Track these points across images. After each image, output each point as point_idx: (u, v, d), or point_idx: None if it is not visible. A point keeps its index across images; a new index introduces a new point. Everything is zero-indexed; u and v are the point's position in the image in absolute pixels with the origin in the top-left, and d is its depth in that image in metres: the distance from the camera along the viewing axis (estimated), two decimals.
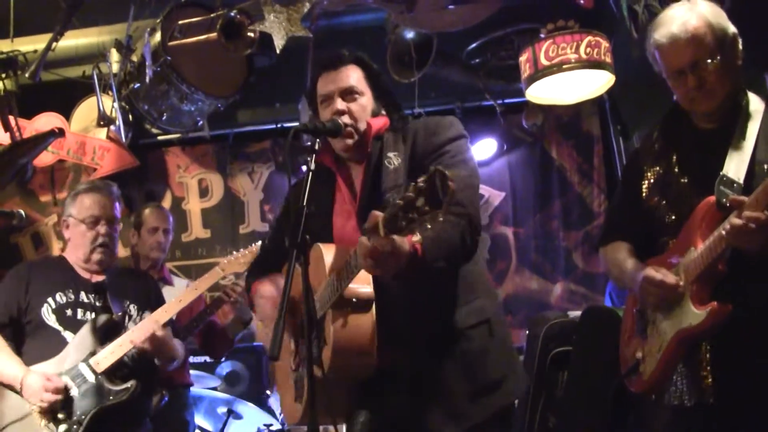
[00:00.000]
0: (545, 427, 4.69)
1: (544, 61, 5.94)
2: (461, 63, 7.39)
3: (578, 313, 4.75)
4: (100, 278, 4.49)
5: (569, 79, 6.03)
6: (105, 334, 4.28)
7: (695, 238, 3.12)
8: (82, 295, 4.39)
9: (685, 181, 3.32)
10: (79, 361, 4.19)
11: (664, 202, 3.37)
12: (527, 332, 5.08)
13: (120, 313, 4.35)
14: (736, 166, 3.11)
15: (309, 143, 3.11)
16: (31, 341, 4.29)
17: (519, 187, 8.30)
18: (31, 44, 7.06)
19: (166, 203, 8.76)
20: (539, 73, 5.97)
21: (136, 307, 4.48)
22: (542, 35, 6.00)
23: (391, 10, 6.13)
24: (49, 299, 4.31)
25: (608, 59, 5.91)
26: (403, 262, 2.78)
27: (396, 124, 3.32)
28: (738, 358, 3.07)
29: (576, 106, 6.89)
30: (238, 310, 5.49)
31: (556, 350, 4.74)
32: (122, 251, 7.63)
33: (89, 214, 4.46)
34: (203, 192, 8.83)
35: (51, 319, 4.27)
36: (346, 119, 3.21)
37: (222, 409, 6.34)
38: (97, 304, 4.39)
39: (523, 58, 6.13)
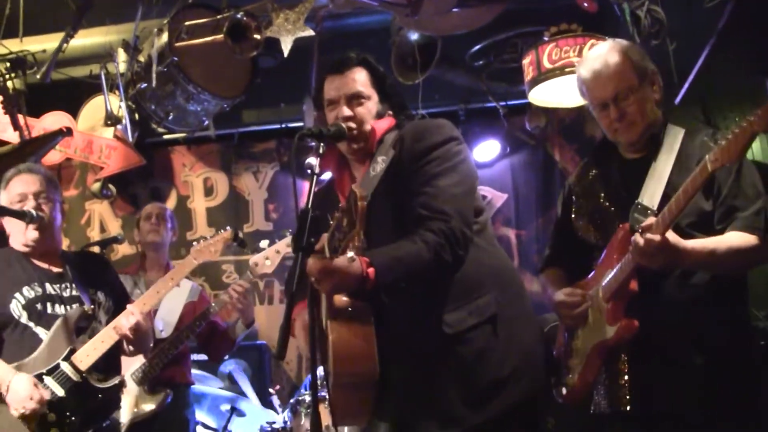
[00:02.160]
0: (544, 429, 4.72)
1: (547, 64, 5.98)
2: (465, 65, 7.41)
3: None
4: (59, 268, 4.35)
5: (572, 82, 6.04)
6: (78, 329, 4.20)
7: (612, 261, 3.36)
8: (48, 288, 4.24)
9: (611, 207, 3.55)
10: (59, 359, 4.09)
11: (591, 226, 3.62)
12: None
13: (91, 306, 4.25)
14: (651, 193, 3.34)
15: (313, 144, 3.16)
16: (3, 339, 4.15)
17: (521, 190, 8.33)
18: (40, 44, 7.09)
19: (171, 202, 8.81)
20: (542, 76, 6.01)
21: (103, 293, 4.38)
22: (545, 38, 6.04)
23: (395, 13, 6.16)
24: (17, 294, 4.16)
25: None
26: (351, 285, 2.90)
27: (400, 123, 3.36)
28: (652, 369, 3.28)
29: (579, 108, 6.91)
30: (241, 312, 5.46)
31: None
32: (130, 249, 7.72)
33: (15, 193, 4.27)
34: (208, 191, 8.88)
35: (22, 316, 4.13)
36: (350, 124, 3.25)
37: (225, 407, 6.37)
38: (65, 294, 4.26)
39: (526, 61, 6.17)
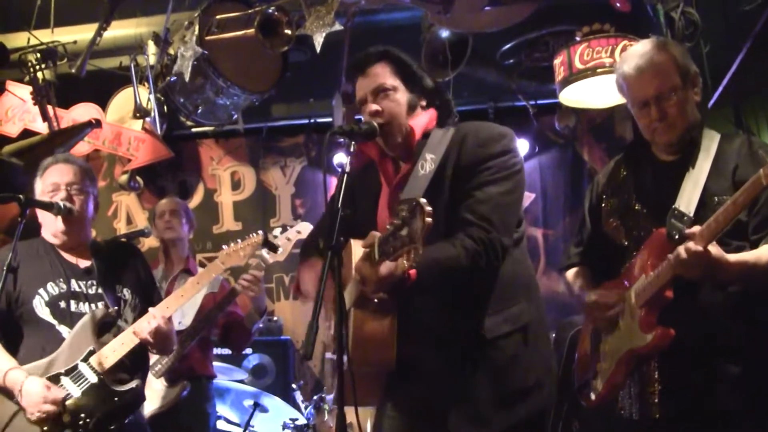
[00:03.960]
0: None
1: (578, 65, 5.92)
2: (495, 63, 7.38)
3: None
4: (87, 262, 4.27)
5: (603, 83, 6.00)
6: (101, 329, 4.11)
7: (646, 266, 3.29)
8: (74, 284, 4.17)
9: (642, 209, 3.49)
10: (77, 360, 4.01)
11: (622, 227, 3.54)
12: (553, 336, 5.08)
13: (115, 307, 4.17)
14: (687, 198, 3.27)
15: (343, 141, 3.15)
16: (25, 337, 4.07)
17: (550, 189, 8.30)
18: (71, 35, 7.13)
19: (199, 195, 8.85)
20: (573, 76, 5.96)
21: (129, 290, 4.29)
22: (577, 38, 5.99)
23: (427, 10, 6.13)
24: (41, 290, 4.09)
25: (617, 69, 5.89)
26: (392, 287, 2.95)
27: (442, 115, 3.36)
28: (683, 377, 3.23)
29: (609, 109, 6.88)
30: (253, 300, 5.38)
31: None
32: (156, 242, 7.76)
33: (48, 183, 4.21)
34: (235, 185, 8.90)
35: (44, 313, 4.06)
36: (380, 119, 3.24)
37: (248, 402, 6.37)
38: (90, 291, 4.18)
39: (557, 61, 6.12)
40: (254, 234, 4.83)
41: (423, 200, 2.62)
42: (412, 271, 2.92)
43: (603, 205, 3.67)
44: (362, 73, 3.34)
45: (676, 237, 3.17)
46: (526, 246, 3.42)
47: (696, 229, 3.04)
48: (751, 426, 3.18)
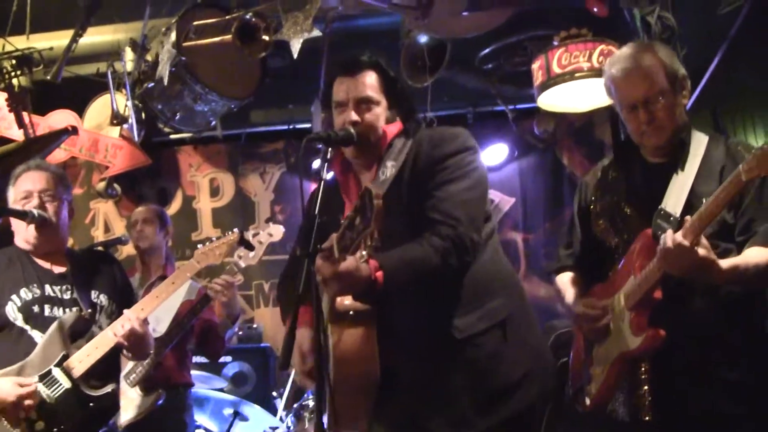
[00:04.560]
0: None
1: (556, 69, 5.94)
2: (474, 68, 7.38)
3: None
4: (62, 269, 4.21)
5: (582, 87, 6.02)
6: (74, 333, 4.04)
7: (634, 267, 3.29)
8: (48, 289, 4.10)
9: (631, 211, 3.49)
10: (51, 365, 3.94)
11: (610, 229, 3.55)
12: None
13: (89, 310, 4.09)
14: (675, 199, 3.28)
15: (321, 147, 3.12)
16: None
17: (530, 194, 8.30)
18: (47, 41, 7.09)
19: (177, 202, 8.80)
20: (551, 80, 5.97)
21: (105, 296, 4.21)
22: (555, 42, 6.00)
23: (406, 16, 6.13)
24: (14, 296, 4.01)
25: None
26: (359, 288, 2.89)
27: (408, 129, 3.32)
28: (673, 379, 3.24)
29: (588, 113, 6.90)
30: (225, 306, 5.35)
31: (564, 360, 4.74)
32: (134, 250, 7.70)
33: (21, 190, 4.15)
34: (214, 191, 8.87)
35: (18, 318, 3.98)
36: (358, 129, 3.20)
37: (228, 411, 6.34)
38: (64, 296, 4.11)
39: (535, 66, 6.13)
40: (230, 232, 4.79)
41: (369, 185, 2.63)
42: (379, 274, 2.88)
43: (592, 206, 3.67)
44: (349, 74, 3.29)
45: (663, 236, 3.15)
46: (498, 241, 3.39)
47: (687, 221, 3.02)
48: (743, 429, 3.18)
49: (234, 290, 5.22)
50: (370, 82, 3.27)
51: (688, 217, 3.02)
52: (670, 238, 3.00)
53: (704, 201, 3.08)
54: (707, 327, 3.22)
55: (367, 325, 3.01)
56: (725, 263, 3.06)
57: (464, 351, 3.09)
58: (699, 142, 3.38)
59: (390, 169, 3.20)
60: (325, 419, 2.87)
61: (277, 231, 4.98)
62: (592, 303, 3.47)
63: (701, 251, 2.97)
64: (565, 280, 3.78)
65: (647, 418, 3.24)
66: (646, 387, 3.27)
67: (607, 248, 3.56)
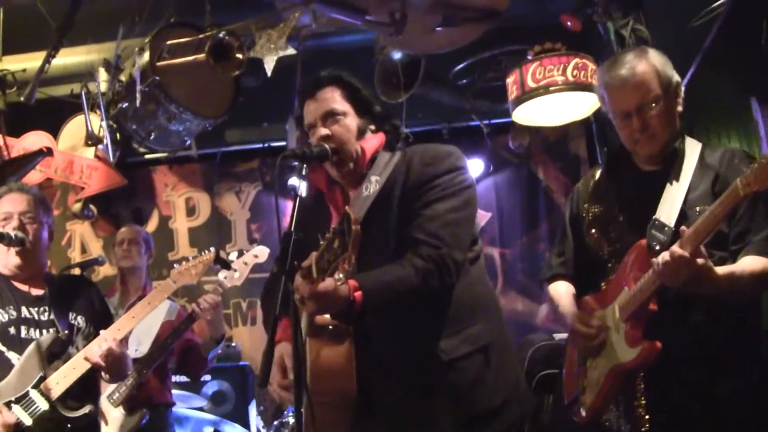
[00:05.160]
0: None
1: (531, 83, 5.96)
2: (449, 84, 7.41)
3: (564, 335, 4.61)
4: (40, 291, 4.20)
5: (556, 101, 6.04)
6: (51, 355, 4.03)
7: (628, 279, 3.26)
8: (24, 311, 4.10)
9: (624, 220, 3.46)
10: (28, 387, 3.93)
11: (603, 238, 3.52)
12: None
13: (66, 331, 4.09)
14: (668, 209, 3.25)
15: (296, 165, 3.11)
16: None
17: (506, 208, 8.31)
18: (19, 63, 7.06)
19: (154, 222, 8.77)
20: (526, 95, 5.99)
21: (83, 318, 4.21)
22: (529, 57, 6.03)
23: (379, 32, 6.14)
24: None
25: (595, 81, 5.89)
26: (337, 308, 2.87)
27: (391, 140, 3.31)
28: (669, 391, 3.22)
29: (563, 127, 6.92)
30: (210, 325, 5.33)
31: (542, 373, 4.74)
32: (111, 270, 7.66)
33: (1, 212, 4.16)
34: (190, 211, 8.85)
35: None
36: (330, 144, 3.19)
37: (208, 430, 6.32)
38: (42, 318, 4.11)
39: (510, 80, 6.15)
40: (206, 251, 4.79)
41: (348, 208, 2.61)
42: (358, 294, 2.86)
43: (584, 215, 3.64)
44: (312, 97, 3.30)
45: (657, 248, 3.14)
46: (484, 264, 3.37)
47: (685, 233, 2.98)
48: None
49: (219, 310, 5.21)
50: (331, 95, 3.28)
51: (683, 228, 2.98)
52: (669, 250, 2.97)
53: (699, 213, 3.09)
54: (702, 338, 3.19)
55: (345, 340, 3.00)
56: (721, 270, 3.05)
57: (447, 374, 3.07)
58: (693, 150, 3.36)
59: (374, 184, 3.18)
60: None
61: (262, 252, 5.03)
62: (586, 321, 3.41)
63: (699, 261, 2.93)
64: (558, 290, 3.73)
65: (643, 429, 3.22)
66: (642, 399, 3.25)
67: (600, 257, 3.53)
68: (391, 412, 3.11)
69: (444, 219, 3.07)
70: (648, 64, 3.34)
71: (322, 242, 2.74)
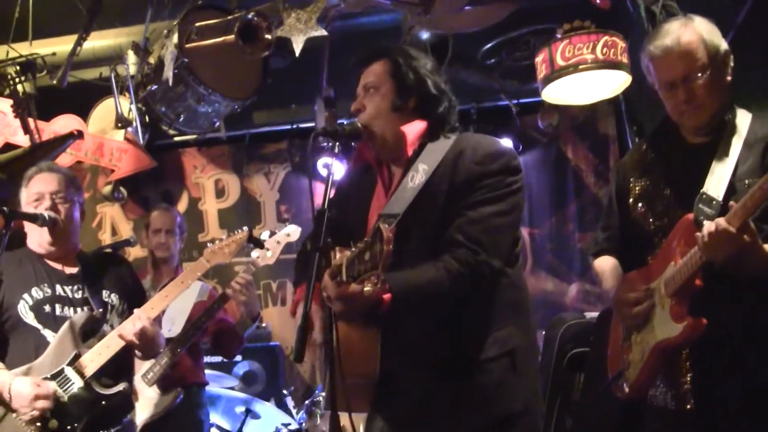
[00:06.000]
0: (562, 429, 4.69)
1: (560, 62, 5.91)
2: (477, 64, 7.38)
3: (595, 314, 4.66)
4: (73, 269, 4.25)
5: (585, 80, 6.00)
6: (86, 333, 4.08)
7: (674, 254, 3.17)
8: (59, 289, 4.15)
9: (670, 194, 3.37)
10: (63, 365, 3.97)
11: (649, 212, 3.43)
12: (544, 333, 5.08)
13: (100, 309, 4.13)
14: (716, 183, 3.15)
15: (325, 145, 3.10)
16: (11, 341, 4.05)
17: (534, 188, 8.28)
18: (49, 47, 7.10)
19: (183, 204, 8.81)
20: (555, 73, 5.95)
21: (117, 296, 4.26)
22: (558, 35, 5.98)
23: (407, 12, 6.13)
24: (25, 295, 4.06)
25: (625, 59, 5.88)
26: (365, 310, 2.85)
27: (434, 126, 3.21)
28: (715, 367, 3.15)
29: (592, 106, 6.90)
30: (245, 305, 5.31)
31: (573, 352, 4.73)
32: (141, 252, 7.72)
33: (32, 192, 4.20)
34: (219, 192, 8.89)
35: (29, 317, 4.02)
36: (362, 119, 3.17)
37: (240, 409, 6.35)
38: (75, 296, 4.16)
39: (539, 59, 6.12)
40: (239, 230, 4.79)
41: (384, 226, 2.56)
42: (387, 296, 2.82)
43: (630, 188, 3.54)
44: (364, 66, 3.27)
45: (704, 223, 3.03)
46: (521, 266, 3.30)
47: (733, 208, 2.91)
48: None
49: (253, 289, 5.22)
50: (376, 69, 3.24)
51: (732, 203, 2.91)
52: (714, 223, 2.90)
53: (748, 186, 3.00)
54: (747, 315, 3.12)
55: (373, 327, 2.99)
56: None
57: (475, 374, 3.01)
58: (742, 121, 3.26)
59: (421, 174, 3.09)
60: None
61: (295, 232, 5.04)
62: (632, 287, 3.35)
63: (746, 237, 2.86)
64: (603, 265, 3.67)
65: (689, 407, 3.17)
66: (689, 376, 3.19)
67: (646, 232, 3.43)
68: (416, 402, 3.07)
69: (487, 223, 2.98)
70: (693, 32, 3.23)
71: (353, 249, 2.72)
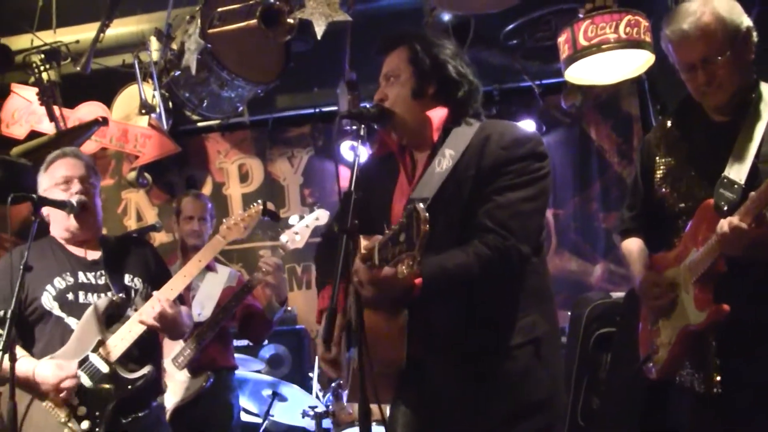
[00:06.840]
0: (589, 409, 4.69)
1: (582, 42, 5.87)
2: (499, 44, 7.36)
3: (621, 294, 4.63)
4: (96, 254, 4.27)
5: (608, 60, 5.97)
6: (109, 318, 4.10)
7: (696, 239, 3.18)
8: (81, 276, 4.16)
9: (694, 174, 3.34)
10: (88, 351, 4.00)
11: (673, 193, 3.41)
12: (570, 313, 5.08)
13: (121, 294, 4.14)
14: (738, 165, 3.13)
15: (348, 128, 3.10)
16: (37, 332, 4.08)
17: (558, 169, 8.24)
18: (73, 35, 7.15)
19: (207, 189, 8.84)
20: (578, 53, 5.91)
21: (140, 279, 4.27)
22: (581, 15, 5.95)
23: None
24: (48, 286, 4.08)
25: (648, 38, 5.83)
26: (396, 295, 2.84)
27: (456, 113, 3.20)
28: (742, 352, 3.14)
29: (614, 86, 6.85)
30: (273, 288, 5.34)
31: (600, 332, 4.73)
32: (167, 237, 7.76)
33: (59, 176, 4.19)
34: (243, 177, 8.91)
35: (53, 306, 4.04)
36: (386, 106, 3.17)
37: (266, 392, 6.38)
38: (98, 282, 4.17)
39: (561, 39, 6.08)
40: (253, 204, 4.80)
41: (420, 206, 2.50)
42: (418, 280, 2.81)
43: (655, 167, 3.52)
44: (385, 54, 3.27)
45: (725, 208, 3.05)
46: (546, 255, 3.29)
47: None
48: None
49: (281, 272, 5.24)
50: (396, 56, 3.23)
51: (752, 194, 2.88)
52: (727, 222, 2.90)
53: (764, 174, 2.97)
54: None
55: (400, 313, 2.98)
56: None
57: (501, 361, 3.02)
58: (766, 100, 3.22)
59: (448, 159, 3.08)
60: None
61: (323, 215, 5.05)
62: (656, 280, 3.35)
63: (759, 230, 2.86)
64: (629, 247, 3.67)
65: (716, 390, 3.16)
66: (717, 360, 3.18)
67: (671, 213, 3.43)
68: (442, 388, 3.09)
69: (515, 209, 2.97)
70: (711, 14, 3.19)
71: (387, 232, 2.68)
